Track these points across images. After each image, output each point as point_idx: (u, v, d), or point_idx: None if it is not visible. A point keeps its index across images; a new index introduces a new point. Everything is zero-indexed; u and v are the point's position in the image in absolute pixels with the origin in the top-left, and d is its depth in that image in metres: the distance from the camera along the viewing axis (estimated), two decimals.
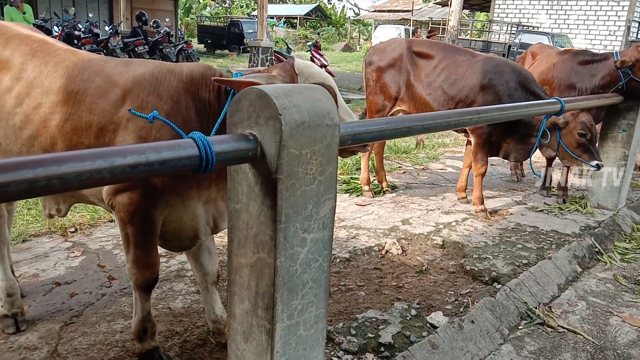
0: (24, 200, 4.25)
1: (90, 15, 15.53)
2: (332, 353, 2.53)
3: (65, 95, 2.05)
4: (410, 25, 27.39)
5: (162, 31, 15.47)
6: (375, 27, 34.33)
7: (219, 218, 2.26)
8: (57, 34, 11.80)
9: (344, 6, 51.36)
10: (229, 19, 29.57)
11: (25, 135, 2.09)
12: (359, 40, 41.87)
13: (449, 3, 19.60)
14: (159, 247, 2.27)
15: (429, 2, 37.62)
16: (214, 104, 2.05)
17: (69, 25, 12.09)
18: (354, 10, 51.77)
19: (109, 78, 2.06)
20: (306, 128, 1.68)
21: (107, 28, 14.82)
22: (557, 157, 4.54)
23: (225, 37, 26.82)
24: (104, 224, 4.03)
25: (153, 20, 16.62)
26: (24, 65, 2.14)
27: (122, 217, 2.08)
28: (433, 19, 29.49)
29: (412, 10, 31.69)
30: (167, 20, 20.81)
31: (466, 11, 30.25)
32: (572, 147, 4.18)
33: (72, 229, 3.87)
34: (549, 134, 4.17)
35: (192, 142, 1.51)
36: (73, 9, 16.97)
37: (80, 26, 13.71)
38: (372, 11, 43.32)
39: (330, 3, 50.63)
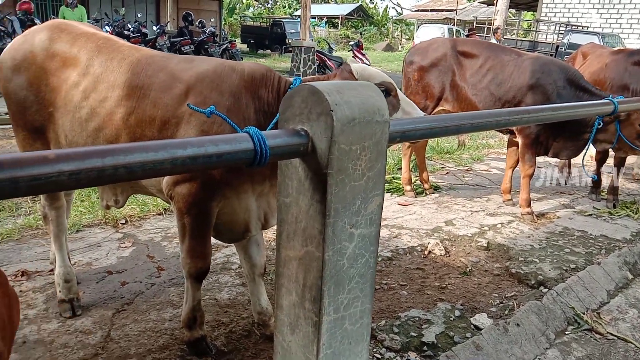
0: (77, 192, 4.44)
1: (138, 15, 16.02)
2: (374, 350, 2.54)
3: (130, 90, 2.15)
4: (454, 25, 26.96)
5: (207, 31, 15.80)
6: (418, 26, 33.96)
7: (270, 214, 2.32)
8: (109, 33, 12.23)
9: (386, 6, 51.01)
10: (272, 19, 29.89)
11: (91, 127, 2.19)
12: (400, 40, 41.54)
13: (495, 2, 19.22)
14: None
15: (473, 1, 36.97)
16: (272, 104, 2.11)
17: (119, 25, 12.53)
18: (396, 10, 51.43)
19: (172, 74, 2.14)
20: (357, 124, 1.70)
21: (154, 28, 15.25)
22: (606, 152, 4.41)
23: (268, 37, 27.13)
24: (153, 217, 4.16)
25: (198, 20, 16.99)
26: (90, 62, 2.25)
27: (180, 208, 2.16)
28: (478, 18, 28.94)
29: (456, 10, 31.18)
30: (212, 20, 21.23)
31: (512, 10, 29.55)
32: (632, 139, 4.10)
33: (123, 221, 4.02)
34: (604, 127, 4.08)
35: (248, 136, 1.55)
36: (123, 9, 17.53)
37: (129, 26, 14.18)
38: (415, 11, 42.92)
39: (373, 3, 50.43)
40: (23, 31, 10.87)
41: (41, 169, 1.18)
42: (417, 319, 2.83)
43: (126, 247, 3.59)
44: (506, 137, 8.05)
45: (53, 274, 3.11)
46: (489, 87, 4.38)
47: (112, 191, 2.49)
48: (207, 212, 2.17)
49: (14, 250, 3.43)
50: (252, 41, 28.02)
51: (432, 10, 39.38)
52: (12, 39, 10.18)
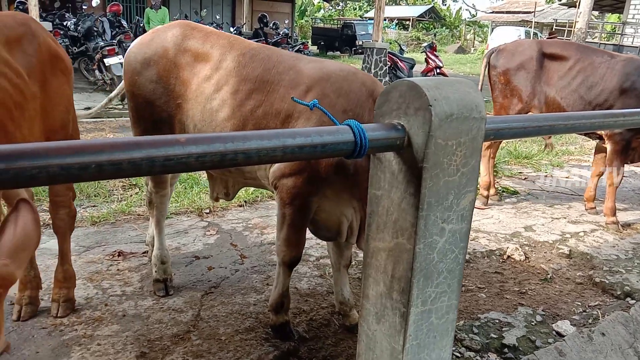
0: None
1: (217, 17, 16.63)
2: (454, 348, 2.55)
3: (261, 84, 2.29)
4: (531, 27, 25.96)
5: (280, 32, 16.16)
6: (492, 29, 32.99)
7: (356, 231, 2.41)
8: None
9: (459, 7, 49.94)
10: (343, 21, 30.06)
11: (221, 117, 2.34)
12: (473, 42, 40.51)
13: (577, 4, 18.35)
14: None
15: (552, 2, 35.43)
16: None
17: None
18: (469, 12, 50.23)
19: (301, 72, 2.27)
20: (454, 120, 1.73)
21: (231, 29, 15.80)
22: None
23: (338, 39, 27.29)
24: (234, 208, 4.35)
25: (273, 22, 17.41)
26: (223, 57, 2.39)
27: (283, 198, 2.28)
28: (558, 20, 27.70)
29: (534, 12, 30.01)
30: (285, 22, 21.68)
31: (595, 12, 28.05)
32: None
33: (207, 211, 4.23)
34: None
35: (349, 128, 1.62)
36: (205, 10, 18.29)
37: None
38: (490, 12, 41.72)
39: (445, 4, 49.51)
40: (112, 32, 11.58)
41: (174, 150, 1.30)
42: (497, 321, 2.80)
43: (211, 234, 3.78)
44: (587, 144, 7.71)
45: (146, 256, 3.35)
46: (579, 90, 4.23)
47: (223, 184, 2.65)
48: (307, 205, 2.28)
49: (110, 233, 3.71)
50: (322, 43, 28.31)
51: (507, 12, 38.11)
52: (102, 39, 10.92)
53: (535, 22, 29.86)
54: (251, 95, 2.28)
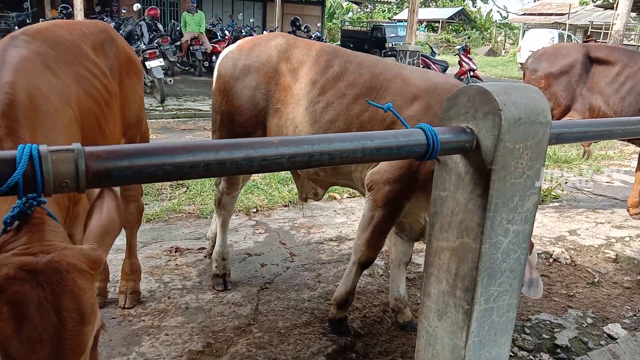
0: (211, 184, 4.86)
1: (251, 20, 16.87)
2: None
3: (368, 90, 2.37)
4: (565, 30, 25.52)
5: (312, 35, 16.28)
6: (524, 31, 32.56)
7: None
8: (227, 37, 13.06)
9: (490, 9, 49.33)
10: (372, 24, 30.08)
11: (325, 119, 2.41)
12: (504, 45, 40.01)
13: (615, 6, 17.98)
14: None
15: (587, 4, 34.76)
16: None
17: (237, 30, 13.32)
18: (500, 14, 49.61)
19: (408, 81, 2.34)
20: (522, 124, 1.80)
21: (265, 32, 16.00)
22: None
23: (367, 41, 27.32)
24: (279, 208, 4.47)
25: (304, 25, 17.56)
26: (329, 63, 2.47)
27: (377, 200, 2.33)
28: (594, 22, 27.16)
29: (568, 14, 29.50)
30: (318, 25, 21.83)
31: (633, 14, 27.40)
32: None
33: (254, 210, 4.36)
34: None
35: (422, 131, 1.70)
36: (241, 14, 18.57)
37: (242, 31, 14.99)
38: (521, 14, 41.09)
39: (476, 6, 49.02)
40: (150, 35, 11.87)
41: (269, 151, 1.41)
42: (547, 322, 2.83)
43: (260, 233, 3.90)
44: (626, 149, 7.59)
45: (201, 252, 3.49)
46: (627, 97, 4.20)
47: (311, 185, 2.74)
48: (398, 209, 2.34)
49: (165, 230, 3.86)
50: (351, 45, 28.29)
51: (540, 14, 37.50)
52: (141, 42, 11.22)
53: (569, 24, 29.35)
54: (357, 100, 2.36)
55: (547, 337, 2.69)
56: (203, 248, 3.55)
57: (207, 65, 13.56)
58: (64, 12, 13.37)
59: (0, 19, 15.21)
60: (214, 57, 13.48)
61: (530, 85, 1.96)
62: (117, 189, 1.72)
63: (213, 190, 4.70)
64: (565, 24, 28.92)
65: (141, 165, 1.24)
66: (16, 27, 13.06)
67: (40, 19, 14.16)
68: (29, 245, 1.17)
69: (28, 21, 12.99)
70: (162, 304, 2.80)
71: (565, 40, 23.39)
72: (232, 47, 2.79)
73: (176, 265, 3.28)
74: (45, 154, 1.14)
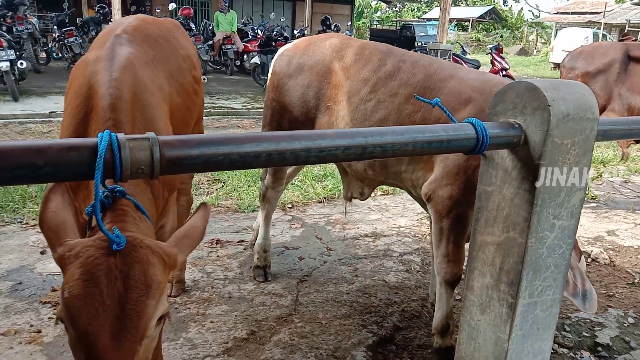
0: (249, 177, 4.96)
1: (282, 19, 17.00)
2: None
3: (421, 90, 2.31)
4: (600, 29, 24.93)
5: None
6: (557, 30, 31.94)
7: None
8: (259, 36, 13.21)
9: (521, 8, 48.50)
10: (402, 23, 29.93)
11: (376, 118, 2.40)
12: (535, 44, 39.30)
13: None
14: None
15: (623, 2, 33.88)
16: None
17: (269, 29, 13.46)
18: (532, 13, 48.72)
19: (462, 82, 2.27)
20: (570, 120, 1.81)
21: (295, 32, 16.08)
22: None
23: (397, 41, 27.18)
24: (314, 204, 4.53)
25: (334, 24, 17.60)
26: (382, 62, 2.46)
27: (439, 210, 2.25)
28: (631, 21, 26.45)
29: (603, 12, 28.81)
30: (348, 24, 21.85)
31: None
32: None
33: (290, 205, 4.43)
34: None
35: (472, 126, 1.73)
36: (273, 13, 18.72)
37: (274, 30, 15.13)
38: (554, 13, 40.29)
39: (507, 5, 48.27)
40: None
41: (325, 143, 1.46)
42: (587, 320, 2.82)
43: (296, 227, 3.97)
44: None
45: (241, 244, 3.58)
46: None
47: (358, 184, 2.73)
48: (465, 216, 2.24)
49: None
50: None
51: (573, 13, 36.70)
52: None
53: (604, 23, 28.66)
54: (410, 100, 2.31)
55: (587, 335, 2.69)
56: (242, 241, 3.64)
57: (239, 64, 13.74)
58: (100, 11, 13.74)
59: (40, 19, 15.67)
60: (245, 56, 13.65)
61: (579, 82, 1.97)
62: None
63: (249, 186, 4.80)
64: (600, 22, 28.26)
65: (210, 154, 1.31)
66: (55, 27, 13.48)
67: (78, 19, 14.57)
68: None
69: (67, 21, 13.37)
70: (206, 293, 2.89)
71: (600, 40, 22.85)
72: (288, 45, 2.84)
73: (217, 256, 3.38)
74: (124, 141, 1.21)
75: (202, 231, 1.40)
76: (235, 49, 13.40)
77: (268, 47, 11.67)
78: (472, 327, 2.19)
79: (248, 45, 13.51)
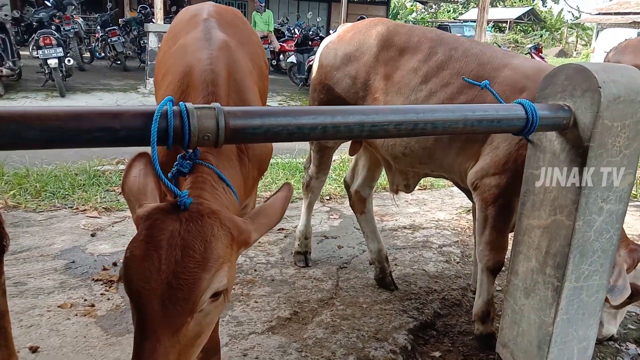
0: (288, 171, 5.04)
1: (318, 19, 17.13)
2: None
3: (474, 79, 2.23)
4: None
5: None
6: (598, 31, 31.07)
7: None
8: (296, 35, 13.34)
9: (561, 9, 47.33)
10: (438, 24, 29.68)
11: None
12: (575, 46, 38.34)
13: None
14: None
15: None
16: None
17: (306, 28, 13.59)
18: (572, 14, 47.49)
19: (517, 70, 2.24)
20: (621, 102, 1.80)
21: (331, 31, 16.18)
22: None
23: None
24: None
25: None
26: (433, 50, 2.42)
27: (485, 198, 2.26)
28: None
29: None
30: None
31: None
32: None
33: (327, 197, 4.48)
34: None
35: (521, 107, 1.75)
36: (311, 13, 18.88)
37: (310, 30, 15.26)
38: (595, 14, 39.18)
39: (546, 6, 47.24)
40: None
41: (378, 118, 1.51)
42: (633, 314, 2.77)
43: (335, 218, 4.02)
44: None
45: (281, 232, 3.65)
46: None
47: (403, 176, 2.72)
48: (510, 205, 2.23)
49: None
50: None
51: (616, 14, 35.61)
52: None
53: None
54: (463, 90, 2.28)
55: (633, 327, 2.64)
56: (282, 229, 3.71)
57: (275, 63, 13.88)
58: (142, 12, 14.13)
59: (84, 20, 16.20)
60: (281, 56, 13.80)
61: (630, 66, 1.95)
62: None
63: (287, 179, 4.88)
64: None
65: (270, 125, 1.37)
66: (98, 27, 13.95)
67: (120, 19, 15.03)
68: None
69: (110, 21, 13.82)
70: (249, 275, 2.97)
71: None
72: (332, 37, 2.81)
73: (259, 242, 3.45)
74: (192, 110, 1.29)
75: (282, 212, 1.37)
76: (271, 49, 13.56)
77: (305, 46, 11.77)
78: (515, 312, 2.19)
79: (284, 44, 13.66)
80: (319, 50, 2.81)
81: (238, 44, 1.93)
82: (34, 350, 2.18)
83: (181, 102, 1.30)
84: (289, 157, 5.55)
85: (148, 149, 1.25)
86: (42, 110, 1.16)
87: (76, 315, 2.47)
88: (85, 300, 2.61)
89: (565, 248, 1.92)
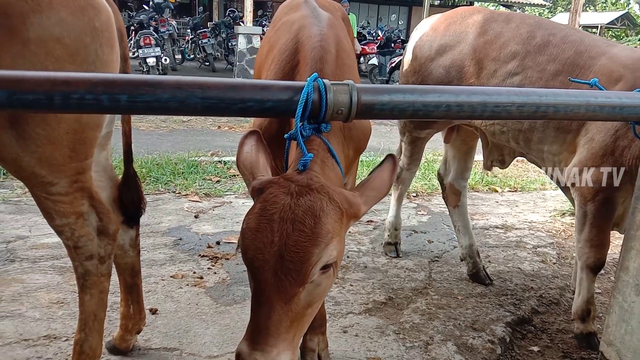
0: (373, 166, 5.11)
1: (400, 22, 17.14)
2: None
3: (570, 68, 2.25)
4: None
5: None
6: None
7: None
8: (379, 37, 13.43)
9: None
10: None
11: None
12: None
13: None
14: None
15: None
16: None
17: (389, 30, 13.64)
18: None
19: (614, 59, 2.19)
20: None
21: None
22: None
23: None
24: (438, 195, 4.55)
25: None
26: (531, 34, 2.41)
27: (584, 194, 2.21)
28: None
29: None
30: None
31: None
32: None
33: (414, 194, 4.50)
34: None
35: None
36: (394, 15, 18.92)
37: (393, 32, 15.31)
38: None
39: None
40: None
41: (501, 99, 1.54)
42: None
43: (423, 214, 4.04)
44: None
45: (370, 224, 3.72)
46: None
47: (498, 152, 2.72)
48: (611, 201, 2.17)
49: None
50: None
51: None
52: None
53: None
54: (557, 78, 2.27)
55: None
56: (371, 221, 3.78)
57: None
58: (231, 15, 14.79)
59: (178, 24, 17.16)
60: (361, 59, 13.91)
61: None
62: None
63: None
64: None
65: (397, 102, 1.44)
66: (189, 30, 14.75)
67: (209, 23, 15.79)
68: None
69: (200, 24, 14.56)
70: (342, 261, 3.07)
71: None
72: (424, 28, 2.82)
73: (349, 232, 3.55)
74: (329, 86, 1.39)
75: (390, 183, 1.39)
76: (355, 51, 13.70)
77: (387, 48, 11.81)
78: (624, 310, 2.12)
79: (365, 47, 13.76)
80: (411, 43, 2.84)
81: (340, 25, 2.01)
82: (153, 312, 2.39)
83: (319, 79, 1.40)
84: (373, 156, 5.61)
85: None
86: (205, 80, 1.29)
87: (187, 285, 2.67)
88: (194, 272, 2.81)
89: None
